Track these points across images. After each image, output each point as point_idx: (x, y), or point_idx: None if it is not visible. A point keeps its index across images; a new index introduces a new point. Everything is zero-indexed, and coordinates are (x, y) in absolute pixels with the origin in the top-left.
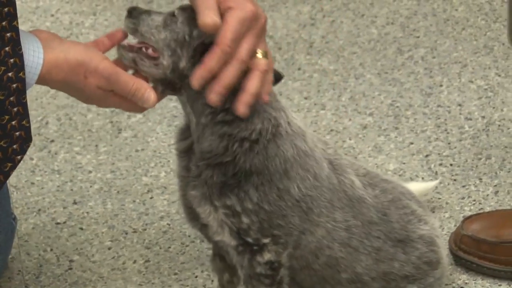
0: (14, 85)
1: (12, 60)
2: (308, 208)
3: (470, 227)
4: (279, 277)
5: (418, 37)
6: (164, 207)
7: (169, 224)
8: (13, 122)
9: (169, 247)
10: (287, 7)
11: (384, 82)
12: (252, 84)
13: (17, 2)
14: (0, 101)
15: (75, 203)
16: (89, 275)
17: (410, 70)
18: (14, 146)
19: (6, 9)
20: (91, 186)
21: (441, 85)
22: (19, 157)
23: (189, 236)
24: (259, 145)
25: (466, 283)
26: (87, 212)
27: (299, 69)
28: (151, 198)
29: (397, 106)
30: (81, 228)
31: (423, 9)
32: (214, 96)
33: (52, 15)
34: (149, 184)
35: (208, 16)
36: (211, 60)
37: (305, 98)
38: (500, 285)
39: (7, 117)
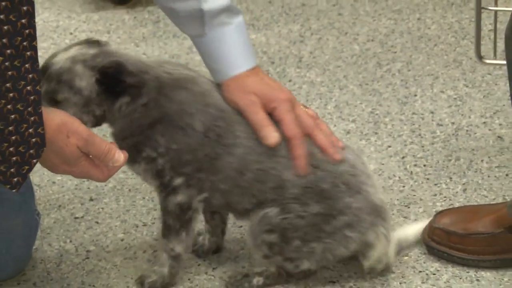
0: (32, 97)
1: (31, 75)
2: (218, 135)
3: (441, 220)
4: (187, 217)
5: (395, 52)
6: None
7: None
8: (30, 130)
9: None
10: (279, 26)
11: (365, 92)
12: (322, 140)
13: (40, 22)
14: (20, 111)
15: (91, 199)
16: (104, 264)
17: (388, 81)
18: (31, 151)
19: (27, 31)
20: (105, 185)
21: (415, 95)
22: (35, 160)
23: (195, 230)
24: (149, 103)
25: (438, 270)
26: (102, 208)
27: (290, 80)
28: None
29: (377, 114)
30: (97, 222)
31: (400, 27)
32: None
33: (71, 33)
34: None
35: (271, 137)
36: (299, 151)
37: None
38: (468, 272)
39: (25, 125)
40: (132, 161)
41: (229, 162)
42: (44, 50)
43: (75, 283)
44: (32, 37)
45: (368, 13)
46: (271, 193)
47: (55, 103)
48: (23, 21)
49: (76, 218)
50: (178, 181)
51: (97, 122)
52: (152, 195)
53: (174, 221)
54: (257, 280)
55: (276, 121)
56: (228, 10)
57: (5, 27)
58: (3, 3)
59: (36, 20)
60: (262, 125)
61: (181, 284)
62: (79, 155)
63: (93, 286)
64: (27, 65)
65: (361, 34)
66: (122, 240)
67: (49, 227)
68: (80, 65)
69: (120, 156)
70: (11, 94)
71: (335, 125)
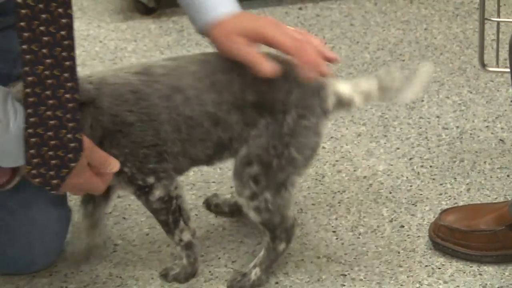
0: (71, 105)
1: (69, 84)
2: (147, 115)
3: (446, 218)
4: (173, 207)
5: (404, 60)
6: (193, 201)
7: (196, 215)
8: (69, 135)
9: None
10: None
11: None
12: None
13: None
14: (59, 118)
15: (119, 196)
16: (130, 256)
17: None
18: (69, 155)
19: (66, 42)
20: None
21: (422, 100)
22: (73, 164)
23: (213, 224)
24: (93, 123)
25: (443, 264)
26: (129, 204)
27: None
28: None
29: (386, 118)
30: (124, 218)
31: (408, 37)
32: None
33: (100, 41)
34: (180, 181)
35: (266, 69)
36: (305, 57)
37: None
38: (471, 267)
39: (64, 131)
40: None
41: (168, 131)
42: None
43: (103, 275)
44: (71, 48)
45: (378, 24)
46: (217, 132)
47: None
48: (62, 33)
49: (104, 213)
50: (150, 179)
51: None
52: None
53: (165, 215)
54: (255, 273)
55: (270, 47)
56: None
57: (45, 38)
58: (43, 16)
59: None
60: (255, 63)
61: (202, 276)
62: (85, 163)
63: (120, 277)
64: (66, 74)
65: (372, 43)
66: (147, 234)
67: (79, 222)
68: None
69: (116, 162)
70: (50, 101)
71: (347, 128)
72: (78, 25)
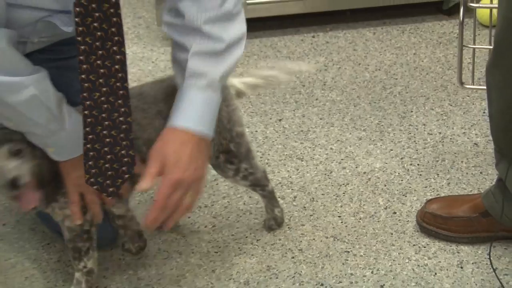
0: (124, 126)
1: (123, 109)
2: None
3: (430, 206)
4: (91, 234)
5: (396, 79)
6: (226, 190)
7: (228, 202)
8: (123, 152)
9: (229, 217)
10: (308, 58)
11: (373, 108)
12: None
13: (130, 53)
14: (113, 137)
15: None
16: (174, 235)
17: (391, 101)
18: (123, 168)
19: (120, 75)
20: None
21: (411, 111)
22: (126, 176)
23: (241, 210)
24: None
25: (427, 244)
26: None
27: (316, 99)
28: (216, 184)
29: (382, 125)
30: None
31: (400, 60)
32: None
33: (153, 62)
34: (215, 175)
35: (144, 184)
36: (155, 212)
37: (320, 119)
38: (451, 246)
39: (118, 147)
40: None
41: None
42: (133, 74)
43: (153, 249)
44: (124, 80)
45: (376, 49)
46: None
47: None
48: (116, 67)
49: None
50: None
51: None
52: (211, 184)
53: None
54: (278, 211)
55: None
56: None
57: (101, 70)
58: (100, 52)
59: (126, 51)
60: (144, 175)
61: (233, 251)
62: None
63: (167, 251)
64: (119, 101)
65: (371, 65)
66: (189, 217)
67: (134, 206)
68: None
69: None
70: (106, 123)
71: (350, 133)
72: (135, 49)
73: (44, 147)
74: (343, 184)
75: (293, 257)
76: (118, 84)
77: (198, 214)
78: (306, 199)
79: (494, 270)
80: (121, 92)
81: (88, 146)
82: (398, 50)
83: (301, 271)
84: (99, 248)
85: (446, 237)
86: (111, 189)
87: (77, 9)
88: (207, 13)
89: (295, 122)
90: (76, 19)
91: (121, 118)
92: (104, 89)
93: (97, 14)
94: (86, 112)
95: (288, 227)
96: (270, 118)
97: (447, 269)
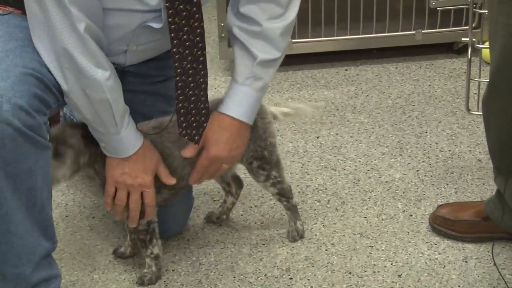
0: (203, 86)
1: (202, 72)
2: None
3: (441, 211)
4: (151, 229)
5: (414, 105)
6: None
7: (274, 203)
8: (202, 105)
9: (274, 216)
10: (342, 87)
11: (394, 129)
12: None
13: None
14: (197, 95)
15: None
16: (229, 229)
17: (409, 123)
18: (203, 119)
19: (201, 77)
20: None
21: (426, 132)
22: (205, 124)
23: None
24: None
25: (438, 242)
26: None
27: (347, 121)
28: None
29: (402, 143)
30: (225, 202)
31: (417, 90)
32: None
33: (215, 88)
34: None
35: (187, 150)
36: (196, 175)
37: (351, 137)
38: (457, 244)
39: (199, 103)
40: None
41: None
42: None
43: (212, 240)
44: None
45: (397, 81)
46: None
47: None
48: (197, 38)
49: (214, 200)
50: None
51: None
52: (261, 188)
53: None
54: (299, 224)
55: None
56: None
57: (189, 79)
58: (184, 13)
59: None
60: (187, 148)
61: (277, 244)
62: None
63: (223, 242)
64: (200, 66)
65: (393, 94)
66: (242, 215)
67: (197, 205)
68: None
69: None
70: (192, 85)
71: (375, 149)
72: None
73: (98, 141)
74: (369, 191)
75: (326, 250)
76: (199, 52)
77: (249, 212)
78: (338, 202)
79: (495, 264)
80: (201, 58)
81: (179, 105)
82: (416, 82)
83: (333, 261)
84: (167, 239)
85: (453, 236)
86: (196, 137)
87: None
88: (282, 23)
89: (330, 139)
90: (167, 4)
91: (201, 79)
92: (190, 58)
93: None
94: (177, 78)
95: (323, 225)
96: (310, 135)
97: (454, 263)
